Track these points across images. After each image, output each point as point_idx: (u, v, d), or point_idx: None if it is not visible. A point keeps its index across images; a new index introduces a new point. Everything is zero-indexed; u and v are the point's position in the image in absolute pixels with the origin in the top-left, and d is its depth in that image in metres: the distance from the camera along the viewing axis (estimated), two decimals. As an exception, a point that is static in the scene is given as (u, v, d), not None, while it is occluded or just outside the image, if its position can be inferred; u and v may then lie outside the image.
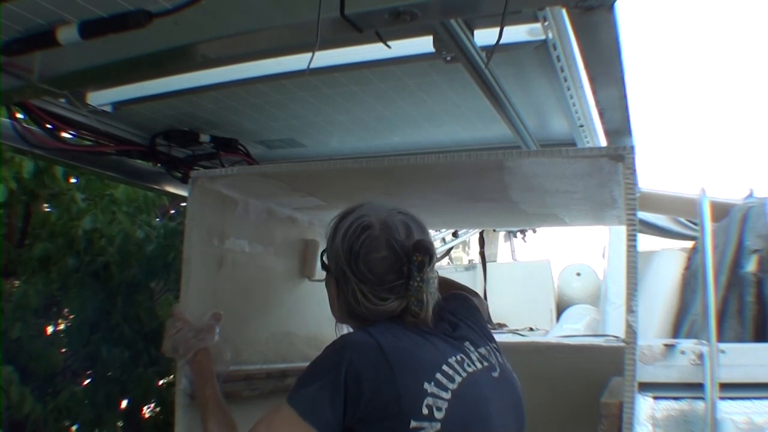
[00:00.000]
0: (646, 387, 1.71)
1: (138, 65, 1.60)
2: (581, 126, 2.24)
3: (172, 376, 3.94)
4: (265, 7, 1.36)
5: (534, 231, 5.32)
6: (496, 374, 1.24)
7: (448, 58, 1.67)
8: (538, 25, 1.69)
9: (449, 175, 1.63)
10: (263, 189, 1.87)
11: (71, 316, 4.25)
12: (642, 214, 3.49)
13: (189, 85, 2.09)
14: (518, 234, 5.43)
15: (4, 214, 3.88)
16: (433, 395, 1.10)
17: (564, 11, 1.54)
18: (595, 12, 1.28)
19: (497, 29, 1.30)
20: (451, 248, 4.97)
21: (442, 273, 1.36)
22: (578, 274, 5.44)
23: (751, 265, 2.59)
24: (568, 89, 1.97)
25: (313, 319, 2.17)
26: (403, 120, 2.40)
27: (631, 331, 1.28)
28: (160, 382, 4.29)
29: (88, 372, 4.26)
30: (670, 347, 1.78)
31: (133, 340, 4.03)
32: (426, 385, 1.11)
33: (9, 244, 3.89)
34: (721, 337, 2.15)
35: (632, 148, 1.33)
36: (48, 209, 4.00)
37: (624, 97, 1.83)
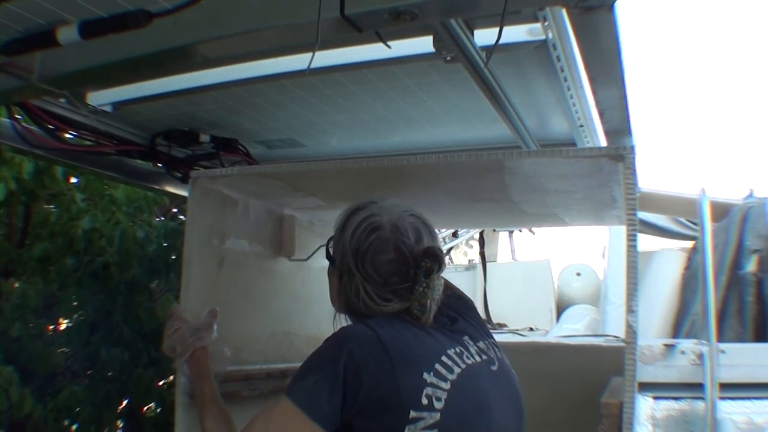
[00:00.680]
0: (646, 387, 1.71)
1: (138, 65, 1.60)
2: (581, 126, 2.24)
3: (171, 377, 3.93)
4: (265, 7, 1.36)
5: (533, 232, 5.32)
6: (494, 368, 1.24)
7: (448, 58, 1.67)
8: (538, 25, 1.68)
9: (449, 175, 1.63)
10: (263, 189, 1.87)
11: (71, 316, 4.26)
12: (642, 214, 3.49)
13: (189, 85, 2.09)
14: (522, 229, 5.42)
15: (4, 214, 3.88)
16: (433, 385, 1.11)
17: (564, 11, 1.54)
18: (595, 12, 1.28)
19: (497, 29, 1.30)
20: (451, 248, 4.97)
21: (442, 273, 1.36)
22: (578, 274, 5.44)
23: (751, 265, 2.59)
24: (568, 89, 1.97)
25: (313, 319, 2.17)
26: (403, 120, 2.39)
27: (631, 331, 1.28)
28: (160, 382, 4.29)
29: (88, 372, 4.26)
30: (670, 347, 1.78)
31: (132, 341, 4.03)
32: (425, 375, 1.11)
33: (9, 244, 3.89)
34: (721, 337, 2.15)
35: (632, 148, 1.33)
36: (51, 208, 3.99)
37: (624, 97, 1.83)
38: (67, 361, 4.26)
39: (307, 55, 1.33)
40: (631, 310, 1.28)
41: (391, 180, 1.69)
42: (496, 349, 1.29)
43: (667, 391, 1.73)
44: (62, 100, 2.14)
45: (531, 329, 4.00)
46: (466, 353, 1.20)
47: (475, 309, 1.41)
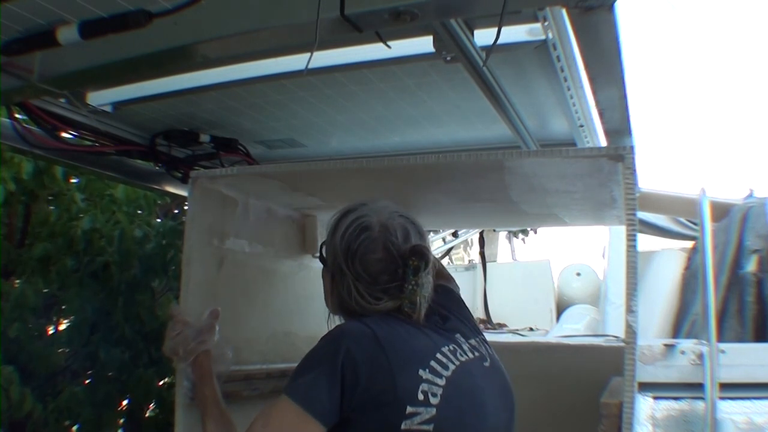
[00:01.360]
0: (646, 387, 1.72)
1: (138, 65, 1.60)
2: (581, 126, 2.24)
3: (172, 377, 3.93)
4: (265, 7, 1.36)
5: (535, 231, 5.33)
6: (487, 364, 1.27)
7: (448, 58, 1.67)
8: (538, 25, 1.68)
9: (449, 175, 1.63)
10: (263, 189, 1.87)
11: (71, 317, 4.25)
12: (642, 214, 3.49)
13: (189, 85, 2.09)
14: (519, 234, 5.44)
15: (4, 214, 3.88)
16: (428, 381, 1.13)
17: (564, 11, 1.54)
18: (595, 12, 1.28)
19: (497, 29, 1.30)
20: (451, 248, 4.97)
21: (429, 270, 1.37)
22: (578, 274, 5.45)
23: (751, 265, 2.59)
24: (568, 89, 1.97)
25: (313, 319, 2.16)
26: (403, 120, 2.39)
27: (631, 331, 1.28)
28: (160, 383, 4.28)
29: (89, 372, 4.25)
30: (670, 347, 1.78)
31: (133, 341, 4.02)
32: (421, 372, 1.13)
33: (9, 244, 3.89)
34: (721, 337, 2.15)
35: (632, 148, 1.33)
36: (51, 208, 3.99)
37: (624, 97, 1.83)
38: (67, 361, 4.26)
39: (307, 55, 1.33)
40: (630, 310, 1.28)
41: (391, 180, 1.69)
42: (486, 346, 1.33)
43: (667, 391, 1.73)
44: (62, 100, 2.14)
45: (531, 329, 4.01)
46: (459, 351, 1.22)
47: (463, 303, 1.45)
